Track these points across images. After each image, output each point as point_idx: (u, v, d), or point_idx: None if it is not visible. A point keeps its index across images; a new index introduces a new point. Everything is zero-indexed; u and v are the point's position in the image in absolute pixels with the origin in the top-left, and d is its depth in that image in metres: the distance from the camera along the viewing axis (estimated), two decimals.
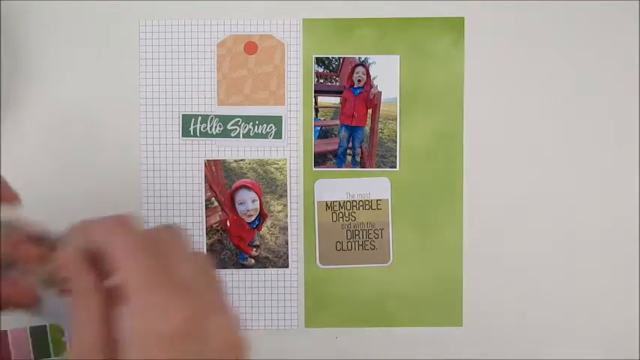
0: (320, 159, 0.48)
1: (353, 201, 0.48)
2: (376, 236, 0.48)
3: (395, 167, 0.48)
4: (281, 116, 0.48)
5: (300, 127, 0.48)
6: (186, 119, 0.48)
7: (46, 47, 0.48)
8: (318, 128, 0.48)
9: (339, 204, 0.48)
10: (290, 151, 0.48)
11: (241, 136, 0.48)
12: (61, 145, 0.48)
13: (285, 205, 0.48)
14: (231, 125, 0.48)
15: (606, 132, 0.48)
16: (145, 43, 0.48)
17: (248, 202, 0.48)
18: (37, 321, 0.49)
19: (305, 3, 0.48)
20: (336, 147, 0.48)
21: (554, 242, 0.48)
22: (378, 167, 0.48)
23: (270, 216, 0.48)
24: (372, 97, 0.48)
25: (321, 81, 0.48)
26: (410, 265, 0.48)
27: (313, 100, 0.48)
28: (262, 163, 0.48)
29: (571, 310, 0.48)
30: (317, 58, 0.48)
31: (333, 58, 0.47)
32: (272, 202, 0.48)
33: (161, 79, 0.48)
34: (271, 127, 0.48)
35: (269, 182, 0.48)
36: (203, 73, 0.48)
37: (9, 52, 0.48)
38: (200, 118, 0.48)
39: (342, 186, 0.48)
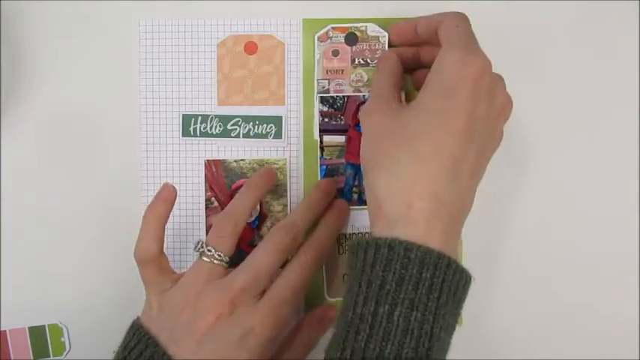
0: None
1: (359, 233, 0.48)
2: None
3: None
4: (281, 116, 0.48)
5: (300, 128, 0.48)
6: (187, 119, 0.48)
7: (46, 47, 0.48)
8: (325, 167, 0.48)
9: (345, 237, 0.48)
10: (290, 151, 0.48)
11: (241, 136, 0.48)
12: (61, 145, 0.48)
13: (285, 206, 0.48)
14: (231, 125, 0.48)
15: (606, 132, 0.48)
16: (144, 42, 0.48)
17: None
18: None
19: (305, 3, 0.48)
20: (343, 185, 0.48)
21: (553, 242, 0.48)
22: None
23: (270, 216, 0.48)
24: None
25: (326, 120, 0.48)
26: None
27: (318, 139, 0.48)
28: (262, 163, 0.48)
29: (571, 310, 0.48)
30: (322, 97, 0.47)
31: (337, 96, 0.47)
32: (272, 202, 0.48)
33: (161, 78, 0.48)
34: (271, 127, 0.48)
35: None
36: (203, 73, 0.48)
37: (9, 52, 0.48)
38: (200, 118, 0.48)
39: (348, 219, 0.48)
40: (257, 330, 0.39)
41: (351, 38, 0.46)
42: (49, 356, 0.49)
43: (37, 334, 0.49)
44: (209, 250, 0.41)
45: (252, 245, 0.48)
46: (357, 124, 0.47)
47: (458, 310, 0.36)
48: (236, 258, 0.42)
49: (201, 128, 0.48)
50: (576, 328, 0.48)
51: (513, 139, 0.48)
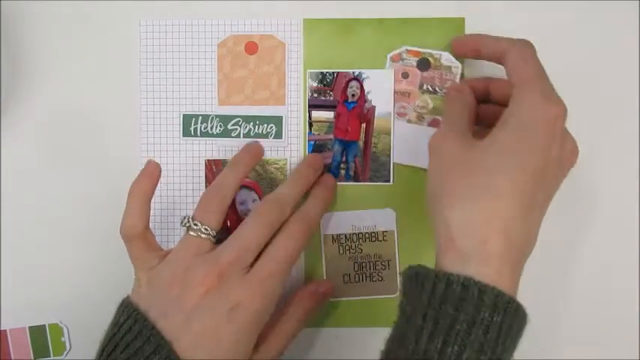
0: None
1: (359, 233, 0.48)
2: (383, 267, 0.48)
3: (389, 181, 0.48)
4: (281, 116, 0.48)
5: (300, 128, 0.48)
6: (187, 119, 0.48)
7: (46, 47, 0.48)
8: (312, 142, 0.48)
9: (345, 237, 0.48)
10: (290, 151, 0.48)
11: (242, 136, 0.48)
12: (61, 145, 0.48)
13: None
14: (232, 125, 0.48)
15: (606, 132, 0.48)
16: (145, 42, 0.48)
17: (248, 202, 0.48)
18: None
19: (305, 3, 0.48)
20: (330, 161, 0.48)
21: (553, 243, 0.48)
22: (371, 181, 0.48)
23: None
24: (365, 111, 0.48)
25: (315, 95, 0.48)
26: None
27: (307, 115, 0.48)
28: (262, 163, 0.48)
29: (571, 310, 0.48)
30: (311, 73, 0.47)
31: (327, 72, 0.47)
32: None
33: (161, 78, 0.48)
34: (272, 127, 0.48)
35: (269, 182, 0.48)
36: (204, 73, 0.48)
37: (9, 52, 0.48)
38: (201, 117, 0.48)
39: (348, 219, 0.48)
40: (246, 303, 0.39)
41: (424, 63, 0.46)
42: (50, 356, 0.49)
43: (38, 333, 0.49)
44: (195, 225, 0.41)
45: None
46: (346, 100, 0.47)
47: (514, 350, 0.36)
48: None
49: (202, 128, 0.48)
50: (576, 328, 0.48)
51: None
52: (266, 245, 0.41)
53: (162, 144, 0.48)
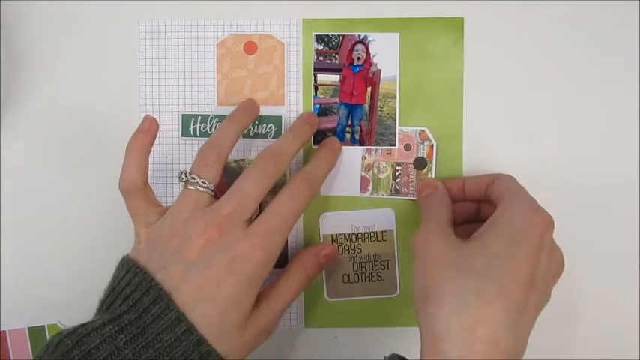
0: (319, 137, 0.48)
1: (358, 233, 0.48)
2: (383, 267, 0.48)
3: (394, 145, 0.48)
4: (281, 116, 0.48)
5: None
6: (186, 119, 0.48)
7: (45, 47, 0.48)
8: (318, 106, 0.48)
9: (345, 237, 0.48)
10: None
11: (241, 136, 0.48)
12: (60, 144, 0.48)
13: None
14: None
15: (606, 132, 0.48)
16: (144, 42, 0.48)
17: None
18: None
19: (305, 3, 0.48)
20: (336, 125, 0.48)
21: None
22: (377, 145, 0.48)
23: None
24: (371, 74, 0.48)
25: (321, 59, 0.48)
26: None
27: (313, 78, 0.48)
28: None
29: (571, 310, 0.48)
30: (317, 36, 0.47)
31: (332, 35, 0.47)
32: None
33: (160, 79, 0.48)
34: (271, 127, 0.48)
35: None
36: (203, 73, 0.48)
37: (9, 52, 0.48)
38: (200, 118, 0.48)
39: (347, 219, 0.48)
40: (246, 255, 0.39)
41: (421, 162, 0.47)
42: None
43: (37, 334, 0.49)
44: (193, 178, 0.41)
45: None
46: (352, 63, 0.47)
47: None
48: None
49: (201, 128, 0.48)
50: (576, 328, 0.48)
51: (512, 140, 0.48)
52: (266, 201, 0.41)
53: (162, 144, 0.48)
